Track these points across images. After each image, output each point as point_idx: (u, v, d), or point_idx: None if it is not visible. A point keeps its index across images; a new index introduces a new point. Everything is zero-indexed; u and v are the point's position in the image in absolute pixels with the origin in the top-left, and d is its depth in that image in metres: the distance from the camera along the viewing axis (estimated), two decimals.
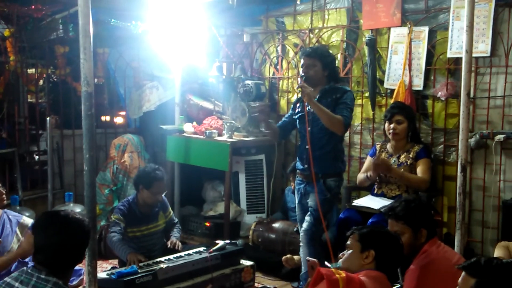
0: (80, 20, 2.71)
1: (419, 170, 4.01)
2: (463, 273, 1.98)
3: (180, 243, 4.13)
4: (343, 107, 3.77)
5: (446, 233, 4.36)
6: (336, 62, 4.05)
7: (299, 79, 3.86)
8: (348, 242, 2.70)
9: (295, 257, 4.23)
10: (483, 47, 4.11)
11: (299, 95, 4.02)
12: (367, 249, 2.61)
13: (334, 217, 4.42)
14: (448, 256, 2.86)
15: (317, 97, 3.79)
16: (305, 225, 3.91)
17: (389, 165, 3.96)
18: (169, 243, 4.09)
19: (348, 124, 3.83)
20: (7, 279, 2.27)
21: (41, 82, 6.11)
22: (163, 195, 4.25)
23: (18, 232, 3.67)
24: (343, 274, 2.40)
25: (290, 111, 4.16)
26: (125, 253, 3.83)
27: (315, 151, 3.80)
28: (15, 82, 5.86)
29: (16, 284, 2.20)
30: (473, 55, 3.62)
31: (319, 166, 3.82)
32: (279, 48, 5.54)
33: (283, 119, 4.22)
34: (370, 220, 3.79)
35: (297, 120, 4.03)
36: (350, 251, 2.66)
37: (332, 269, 2.45)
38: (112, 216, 4.17)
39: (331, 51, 4.32)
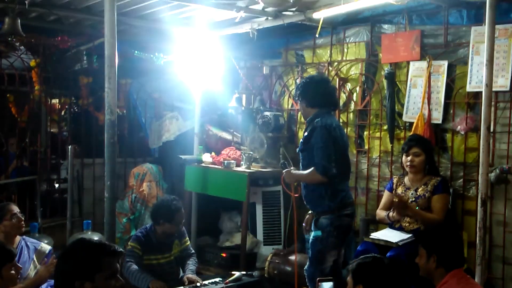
0: (106, 50, 2.80)
1: (434, 208, 3.96)
2: None
3: (198, 278, 4.03)
4: (314, 152, 3.62)
5: (466, 268, 4.28)
6: (315, 86, 3.81)
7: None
8: (347, 279, 2.70)
9: None
10: (502, 82, 4.11)
11: None
12: (357, 284, 2.61)
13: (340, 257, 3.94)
14: None
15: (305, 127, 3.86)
16: (306, 264, 3.85)
17: (406, 204, 3.93)
18: (186, 280, 3.99)
19: (323, 167, 3.57)
20: None
21: (63, 112, 6.23)
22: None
23: (35, 259, 3.69)
24: None
25: None
26: (146, 281, 3.84)
27: (303, 189, 3.82)
28: (38, 111, 5.98)
29: None
30: (493, 89, 3.62)
31: (309, 203, 3.81)
32: (298, 81, 5.60)
33: None
34: (388, 254, 3.74)
35: None
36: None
37: None
38: (129, 243, 4.18)
39: (316, 78, 4.21)
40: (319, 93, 3.80)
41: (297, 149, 3.90)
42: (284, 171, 3.87)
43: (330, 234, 3.67)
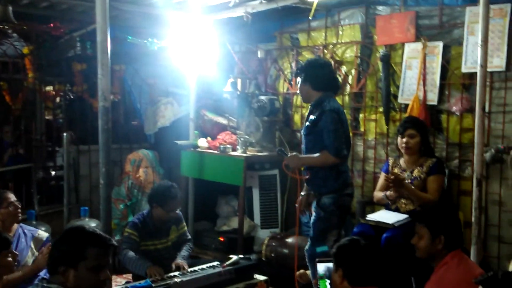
0: (98, 36, 2.78)
1: (429, 189, 3.98)
2: (479, 287, 1.97)
3: (185, 265, 4.00)
4: (325, 135, 3.65)
5: (462, 247, 4.31)
6: (322, 69, 3.82)
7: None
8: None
9: (308, 272, 4.21)
10: (498, 62, 4.10)
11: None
12: (337, 269, 2.64)
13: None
14: (468, 272, 2.79)
15: (310, 109, 3.84)
16: (307, 244, 3.89)
17: (403, 180, 3.93)
18: (173, 265, 4.00)
19: (335, 149, 3.62)
20: None
21: (57, 99, 6.21)
22: (177, 211, 4.27)
23: (32, 246, 3.70)
24: None
25: None
26: (143, 267, 3.85)
27: (304, 172, 3.84)
28: (32, 99, 5.96)
29: None
30: (488, 69, 3.61)
31: (312, 185, 3.83)
32: (293, 64, 5.58)
33: None
34: (384, 235, 3.77)
35: None
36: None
37: None
38: (126, 229, 4.19)
39: (321, 61, 4.11)
40: (325, 77, 3.83)
41: (302, 133, 3.89)
42: (287, 156, 3.84)
43: (333, 214, 3.73)
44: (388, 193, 4.08)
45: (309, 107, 3.92)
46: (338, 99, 5.09)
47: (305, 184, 3.96)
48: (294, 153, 3.87)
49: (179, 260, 4.05)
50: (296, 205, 4.05)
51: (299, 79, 3.90)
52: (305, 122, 3.88)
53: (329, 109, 3.66)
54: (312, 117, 3.76)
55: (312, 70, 3.82)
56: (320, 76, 3.80)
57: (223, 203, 5.67)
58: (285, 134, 5.42)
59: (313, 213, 3.82)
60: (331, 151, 3.62)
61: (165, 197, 4.08)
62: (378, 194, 4.24)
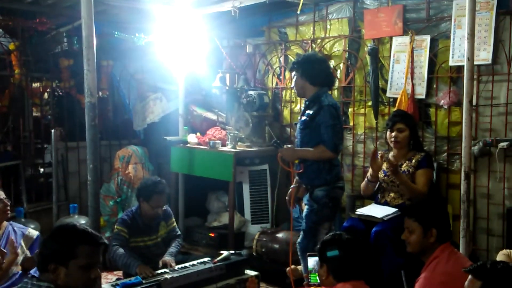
0: (83, 32, 2.76)
1: (418, 182, 3.99)
2: (469, 276, 2.01)
3: (172, 262, 3.98)
4: (322, 130, 3.68)
5: (451, 241, 4.34)
6: (320, 65, 3.86)
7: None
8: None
9: (299, 267, 4.22)
10: (484, 55, 4.11)
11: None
12: (322, 264, 2.65)
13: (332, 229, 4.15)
14: (458, 265, 2.80)
15: (306, 104, 3.86)
16: (299, 237, 3.91)
17: (397, 167, 3.94)
18: (160, 263, 3.98)
19: (333, 144, 3.69)
20: None
21: (45, 95, 6.16)
22: (166, 207, 4.26)
23: (23, 244, 3.69)
24: None
25: None
26: (133, 266, 3.83)
27: (297, 165, 3.85)
28: (19, 95, 5.90)
29: None
30: (475, 63, 3.63)
31: (305, 178, 3.85)
32: (282, 59, 5.57)
33: None
34: (373, 229, 3.78)
35: None
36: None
37: None
38: (115, 226, 4.17)
39: (316, 56, 4.16)
40: (322, 72, 3.86)
41: (298, 127, 3.91)
42: (283, 149, 3.86)
43: (325, 206, 3.77)
44: (368, 175, 4.09)
45: (304, 101, 3.94)
46: None
47: (296, 177, 3.97)
48: (290, 146, 3.89)
49: (166, 257, 4.03)
50: (287, 198, 4.07)
51: (294, 74, 3.91)
52: (301, 117, 3.89)
53: (327, 104, 3.71)
54: (309, 111, 3.78)
55: (309, 65, 3.84)
56: (317, 71, 3.83)
57: (213, 199, 5.67)
58: (274, 129, 5.43)
59: (306, 206, 3.84)
60: (329, 146, 3.67)
61: (151, 192, 4.08)
62: (362, 183, 4.26)
